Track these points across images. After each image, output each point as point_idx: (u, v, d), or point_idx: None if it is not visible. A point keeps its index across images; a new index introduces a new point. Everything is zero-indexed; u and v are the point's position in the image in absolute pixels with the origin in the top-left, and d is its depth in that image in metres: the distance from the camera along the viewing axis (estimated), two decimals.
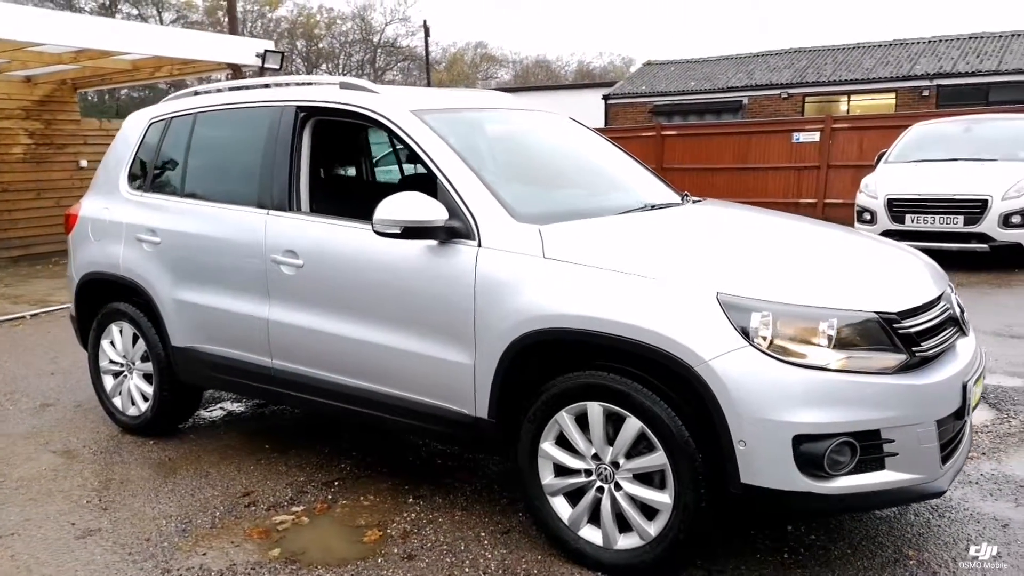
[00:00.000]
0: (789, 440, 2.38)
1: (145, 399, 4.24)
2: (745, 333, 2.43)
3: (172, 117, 4.19)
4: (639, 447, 2.66)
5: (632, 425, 2.63)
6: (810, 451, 2.38)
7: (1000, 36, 22.96)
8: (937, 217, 8.71)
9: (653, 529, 2.65)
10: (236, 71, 10.16)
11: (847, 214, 11.40)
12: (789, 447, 2.38)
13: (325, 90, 3.65)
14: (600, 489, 2.76)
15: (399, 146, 4.12)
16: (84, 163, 12.24)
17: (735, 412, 2.41)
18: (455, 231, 2.99)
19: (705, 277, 2.55)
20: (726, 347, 2.42)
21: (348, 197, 4.11)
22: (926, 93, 21.60)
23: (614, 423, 2.69)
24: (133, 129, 4.38)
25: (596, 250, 2.77)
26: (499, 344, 2.85)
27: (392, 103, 3.38)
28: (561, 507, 2.87)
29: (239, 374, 3.77)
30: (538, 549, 2.97)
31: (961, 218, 8.58)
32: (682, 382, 2.53)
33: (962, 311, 2.98)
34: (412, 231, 2.97)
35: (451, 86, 60.61)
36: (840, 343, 2.44)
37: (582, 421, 2.77)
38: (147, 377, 4.22)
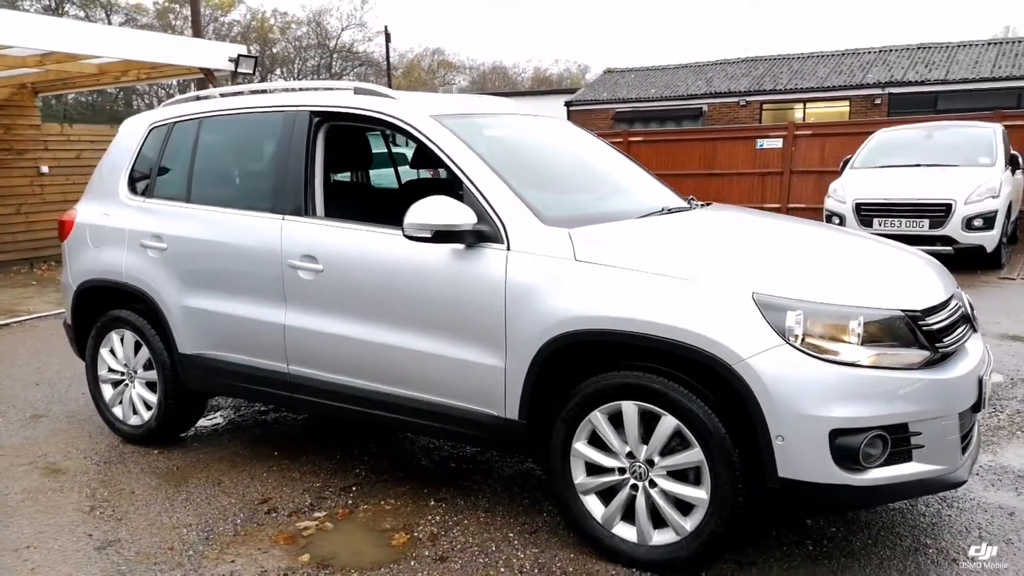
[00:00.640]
0: (826, 434, 2.47)
1: (148, 408, 4.17)
2: (781, 331, 2.51)
3: (175, 122, 4.14)
4: (673, 445, 2.72)
5: (668, 423, 2.69)
6: (846, 445, 2.47)
7: (947, 47, 23.79)
8: (903, 220, 9.01)
9: (689, 524, 2.71)
10: (208, 76, 10.02)
11: (810, 218, 11.68)
12: (826, 441, 2.47)
13: (340, 95, 3.65)
14: (634, 487, 2.81)
15: (392, 148, 4.14)
16: (45, 169, 11.92)
17: (773, 408, 2.49)
18: (483, 235, 3.02)
19: (740, 278, 2.63)
20: (763, 345, 2.50)
21: (358, 201, 4.11)
22: (878, 101, 22.27)
23: (648, 421, 2.75)
24: (131, 134, 4.31)
25: (628, 253, 2.83)
26: (532, 346, 2.88)
27: (413, 108, 3.40)
28: (594, 506, 2.92)
29: (252, 380, 3.74)
30: (569, 547, 3.01)
31: (926, 221, 8.89)
32: (719, 380, 2.60)
33: (972, 309, 3.12)
34: (442, 235, 3.00)
35: (409, 90, 60.48)
36: (869, 340, 2.54)
37: (614, 420, 2.82)
38: (150, 385, 4.15)
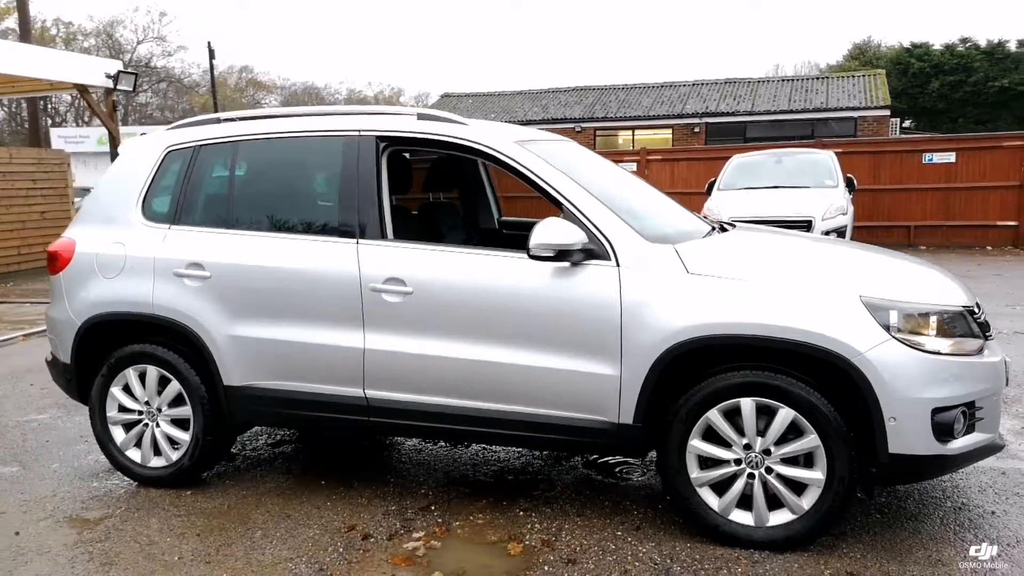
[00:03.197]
0: (929, 413, 2.95)
1: (175, 447, 3.92)
2: (885, 328, 2.97)
3: (200, 145, 3.95)
4: (787, 434, 3.09)
5: (785, 415, 3.05)
6: (943, 420, 2.97)
7: (749, 82, 26.68)
8: None
9: (806, 503, 3.08)
10: (83, 92, 9.23)
11: None
12: (928, 418, 2.95)
13: (403, 120, 3.71)
14: (751, 475, 3.14)
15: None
16: None
17: (887, 394, 2.93)
18: (591, 252, 3.25)
19: (845, 283, 3.07)
20: (876, 340, 2.94)
21: (417, 223, 4.14)
22: (696, 129, 24.51)
23: (762, 415, 3.10)
24: (140, 158, 4.06)
25: (737, 265, 3.18)
26: (651, 354, 3.14)
27: (496, 134, 3.56)
28: (709, 497, 3.21)
29: (316, 407, 3.67)
30: (682, 538, 3.28)
31: None
32: (833, 372, 3.01)
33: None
34: (561, 254, 3.19)
35: (220, 110, 57.49)
36: (943, 332, 3.06)
37: (728, 416, 3.14)
38: (178, 423, 3.91)
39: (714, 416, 3.14)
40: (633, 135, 25.38)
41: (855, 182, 11.34)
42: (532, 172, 3.43)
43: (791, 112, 24.00)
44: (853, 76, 26.75)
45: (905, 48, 38.29)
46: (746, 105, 24.76)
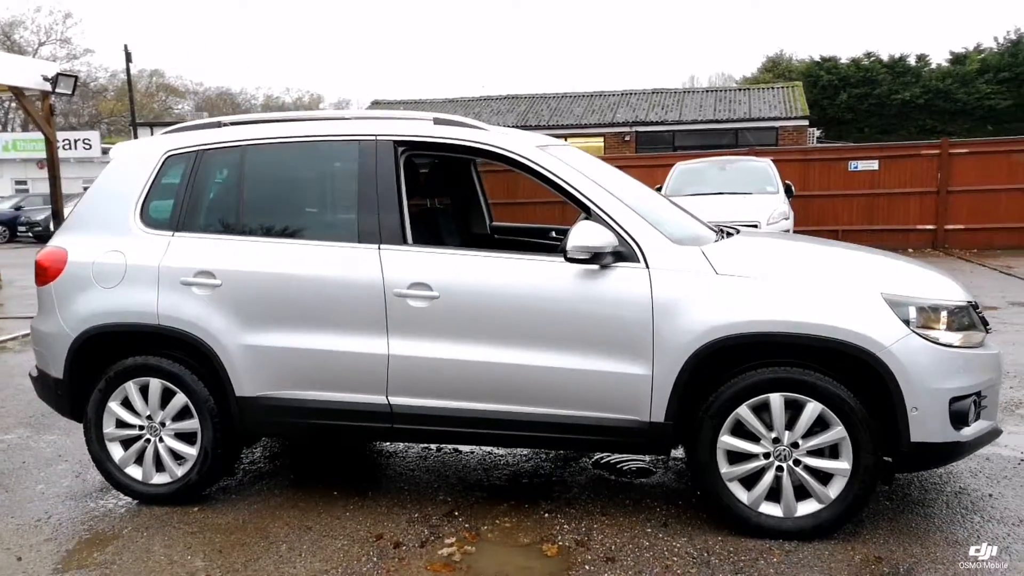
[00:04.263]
0: (947, 402, 3.12)
1: (179, 462, 3.78)
2: (906, 322, 3.14)
3: (203, 150, 3.83)
4: (814, 427, 3.21)
5: (812, 408, 3.18)
6: (959, 408, 3.15)
7: (676, 92, 27.44)
8: None
9: (832, 492, 3.22)
10: (17, 95, 8.75)
11: None
12: (946, 407, 3.13)
13: (420, 125, 3.70)
14: (779, 468, 3.26)
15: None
16: None
17: (910, 385, 3.09)
18: (620, 255, 3.31)
19: (866, 281, 3.23)
20: (898, 335, 3.10)
21: (431, 227, 4.11)
22: (627, 138, 25.02)
23: (788, 409, 3.22)
24: (136, 163, 3.90)
25: (762, 266, 3.30)
26: (683, 353, 3.22)
27: (521, 140, 3.61)
28: (738, 490, 3.31)
29: (335, 415, 3.60)
30: (713, 531, 3.37)
31: None
32: (857, 366, 3.15)
33: None
34: (596, 256, 3.24)
35: (124, 115, 55.32)
36: (954, 326, 3.25)
37: (757, 411, 3.25)
38: (183, 437, 3.77)
39: (744, 412, 3.24)
40: (566, 143, 25.66)
41: (793, 188, 11.82)
42: (558, 176, 3.48)
43: (717, 122, 24.78)
44: (772, 88, 27.84)
45: (815, 61, 40.03)
46: (674, 115, 25.45)
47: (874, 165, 14.93)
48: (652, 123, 24.97)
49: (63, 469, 4.38)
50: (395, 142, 3.63)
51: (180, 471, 3.78)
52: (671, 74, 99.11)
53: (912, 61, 38.81)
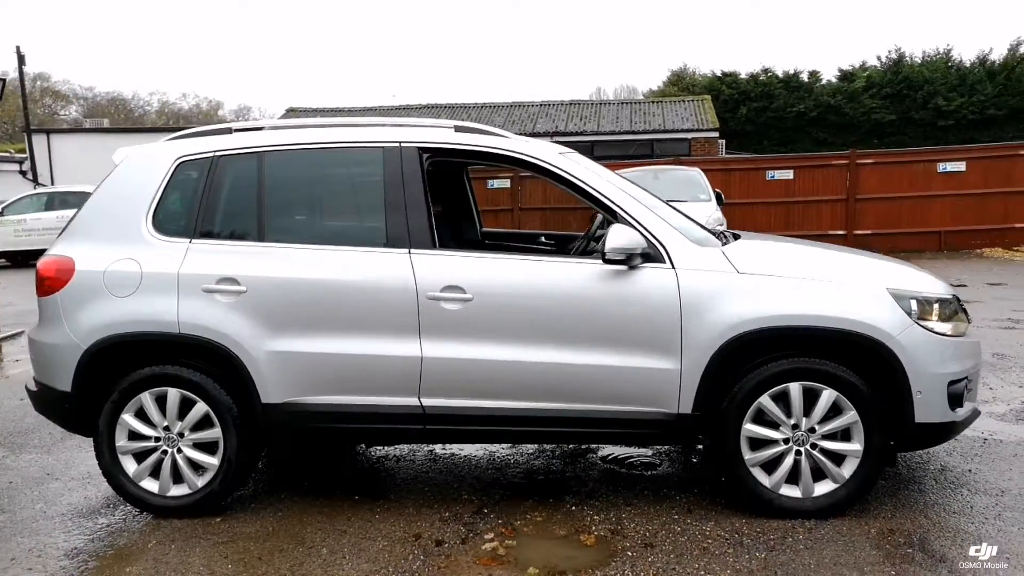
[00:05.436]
0: (945, 385, 3.45)
1: (199, 472, 3.71)
2: (909, 314, 3.44)
3: (217, 156, 3.78)
4: (829, 412, 3.47)
5: (828, 395, 3.44)
6: (955, 391, 3.48)
7: (592, 103, 28.19)
8: None
9: (847, 471, 3.48)
10: None
11: None
12: (945, 390, 3.45)
13: (441, 132, 3.79)
14: (798, 452, 3.50)
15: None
16: None
17: (915, 370, 3.39)
18: (647, 256, 3.50)
19: (873, 278, 3.52)
20: (904, 325, 3.41)
21: (450, 231, 4.16)
22: None
23: (804, 397, 3.47)
24: (146, 169, 3.81)
25: (778, 265, 3.56)
26: (710, 347, 3.43)
27: (543, 146, 3.74)
28: (760, 475, 3.53)
29: (368, 419, 3.63)
30: (736, 514, 3.58)
31: None
32: (869, 355, 3.43)
33: None
34: (629, 257, 3.42)
35: (7, 121, 52.22)
36: (945, 317, 3.58)
37: (776, 400, 3.49)
38: (203, 447, 3.70)
39: (766, 401, 3.47)
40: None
41: (723, 196, 12.38)
42: (582, 181, 3.64)
43: (633, 132, 25.57)
44: (684, 101, 28.95)
45: (717, 76, 41.78)
46: (592, 126, 26.09)
47: (789, 174, 15.81)
48: (572, 133, 25.51)
49: (57, 487, 4.20)
50: (419, 148, 3.71)
51: (201, 481, 3.71)
52: (579, 85, 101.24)
53: (805, 77, 40.99)
